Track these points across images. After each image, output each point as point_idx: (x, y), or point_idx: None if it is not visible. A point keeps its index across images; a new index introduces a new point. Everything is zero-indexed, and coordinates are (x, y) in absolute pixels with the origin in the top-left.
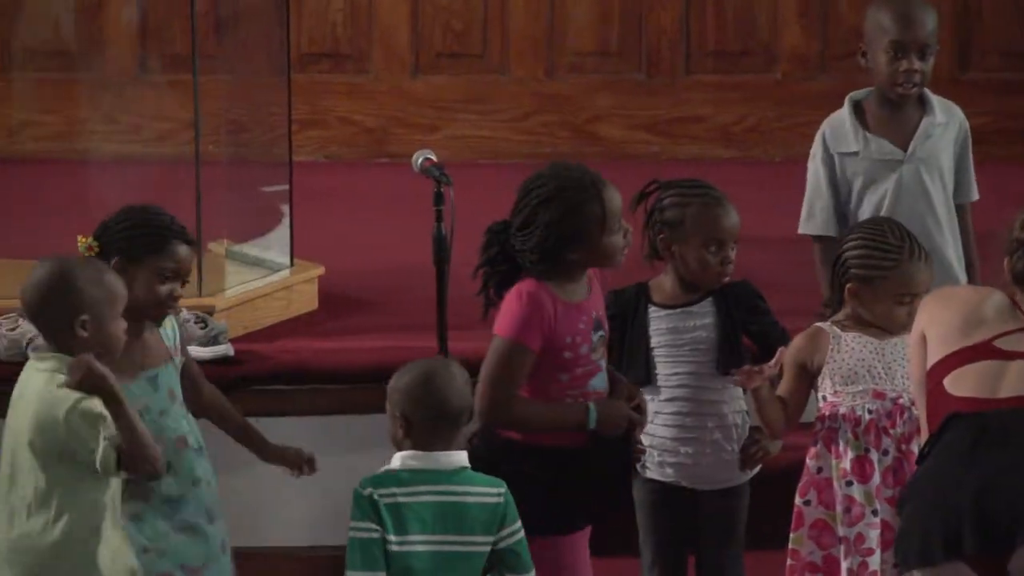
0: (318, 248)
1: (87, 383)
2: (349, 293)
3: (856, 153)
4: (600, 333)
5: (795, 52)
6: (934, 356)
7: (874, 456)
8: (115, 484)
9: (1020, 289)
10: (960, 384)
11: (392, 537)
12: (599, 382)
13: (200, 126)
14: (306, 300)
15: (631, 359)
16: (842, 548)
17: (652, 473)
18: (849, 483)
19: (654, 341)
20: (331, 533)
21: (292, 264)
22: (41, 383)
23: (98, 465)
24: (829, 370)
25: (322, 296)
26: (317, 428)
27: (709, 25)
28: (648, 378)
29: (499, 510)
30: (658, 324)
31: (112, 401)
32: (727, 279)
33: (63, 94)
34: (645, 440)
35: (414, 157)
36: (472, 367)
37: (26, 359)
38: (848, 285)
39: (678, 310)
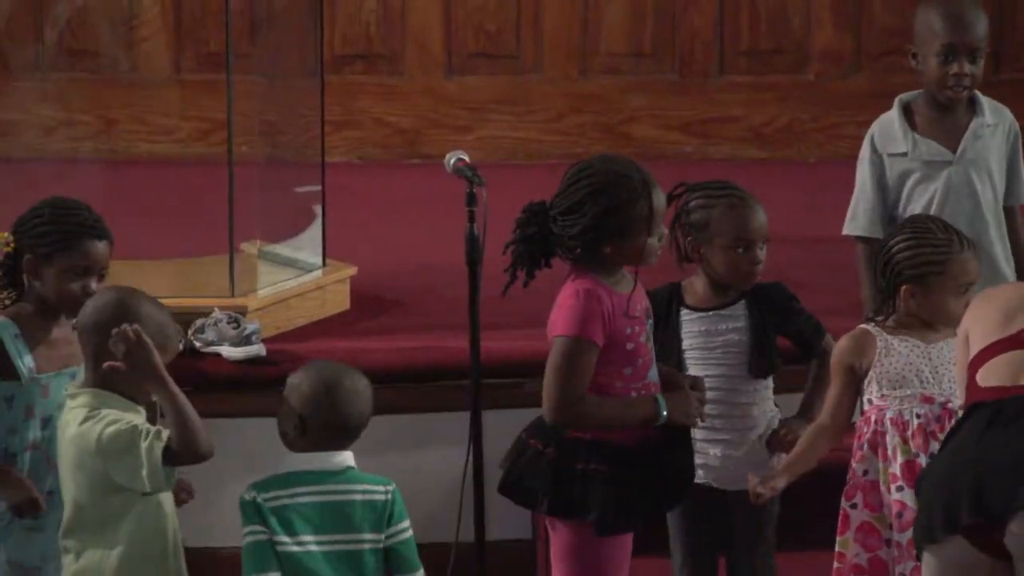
0: (351, 248)
1: (132, 358)
2: (381, 293)
3: (905, 154)
4: (651, 322)
5: (828, 52)
6: (974, 352)
7: (923, 461)
8: (170, 507)
9: None
10: (988, 375)
11: (282, 539)
12: (655, 374)
13: (234, 127)
14: (338, 300)
15: (663, 361)
16: (894, 552)
17: None
18: (900, 488)
19: (686, 343)
20: None
21: (325, 264)
22: (73, 421)
23: (147, 485)
24: (876, 374)
25: (354, 296)
26: None
27: (742, 25)
28: None
29: (386, 508)
30: (690, 327)
31: (156, 381)
32: (758, 279)
33: (97, 94)
34: None
35: (447, 158)
36: (507, 366)
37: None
38: (903, 287)
39: (710, 313)
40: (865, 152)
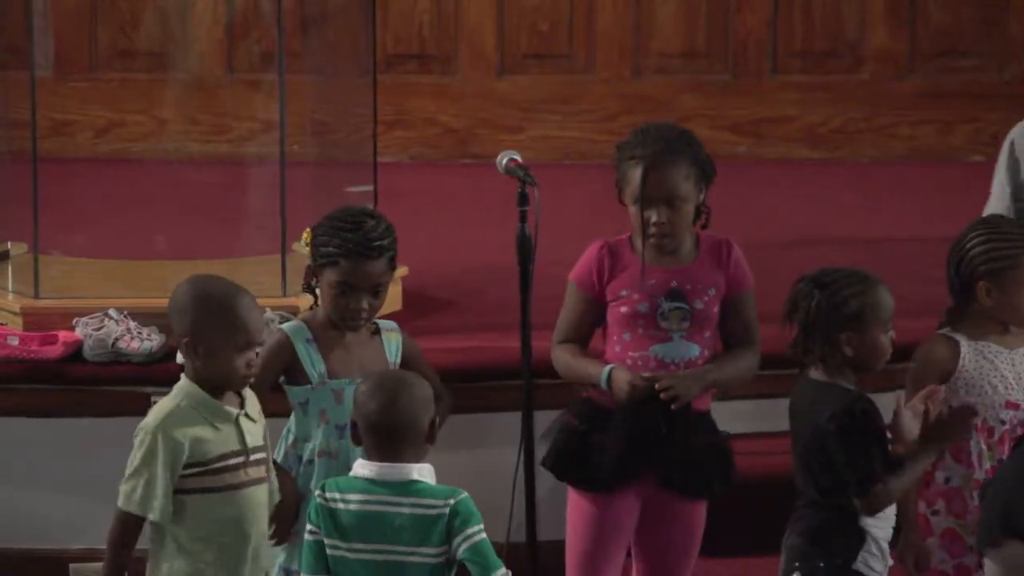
0: (402, 248)
1: None
2: (433, 293)
3: None
4: (676, 304)
5: (882, 52)
6: None
7: None
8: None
9: None
10: None
11: (331, 540)
12: (667, 351)
13: (286, 126)
14: (390, 300)
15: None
16: (976, 559)
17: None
18: (983, 497)
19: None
20: None
21: None
22: None
23: (158, 517)
24: (960, 380)
25: (406, 296)
26: None
27: (796, 25)
28: None
29: (440, 521)
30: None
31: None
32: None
33: (150, 94)
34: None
35: (499, 158)
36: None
37: (111, 359)
38: (979, 283)
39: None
40: (1002, 156)
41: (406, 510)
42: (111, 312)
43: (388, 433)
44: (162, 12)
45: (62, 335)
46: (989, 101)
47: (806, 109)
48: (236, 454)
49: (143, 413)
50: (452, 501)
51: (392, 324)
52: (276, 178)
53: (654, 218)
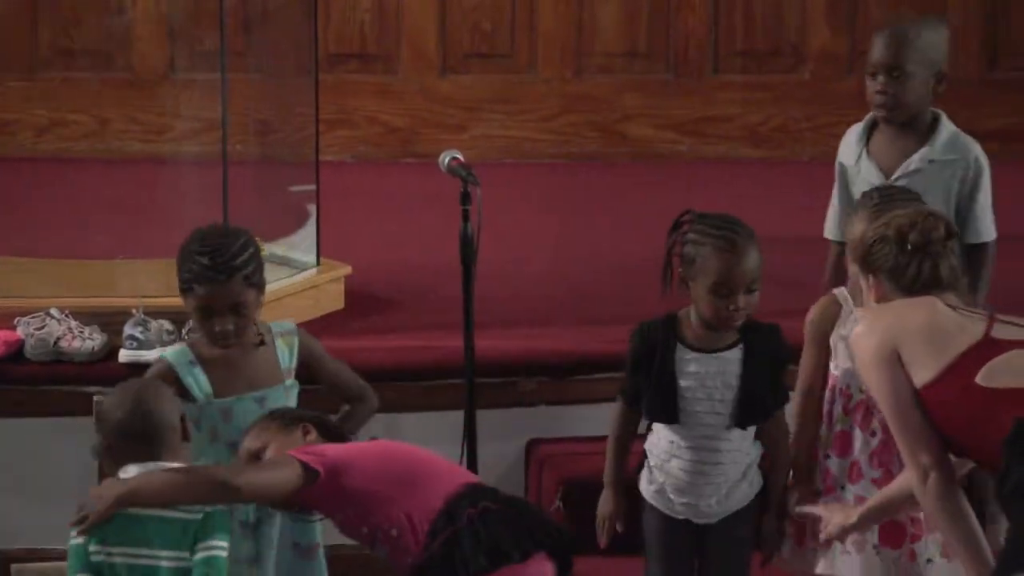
0: (345, 247)
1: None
2: (376, 292)
3: (854, 167)
4: None
5: (823, 52)
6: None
7: (858, 434)
8: None
9: (938, 291)
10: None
11: (93, 548)
12: None
13: (228, 125)
14: (333, 299)
15: (657, 397)
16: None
17: (661, 507)
18: (827, 456)
19: (680, 382)
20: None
21: (319, 263)
22: None
23: None
24: (837, 341)
25: (349, 295)
26: None
27: (737, 25)
28: (674, 417)
29: (191, 527)
30: (684, 366)
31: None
32: (738, 324)
33: (90, 93)
34: (659, 476)
35: (441, 157)
36: (501, 365)
37: (53, 359)
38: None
39: (706, 354)
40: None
41: (163, 513)
42: (53, 311)
43: (142, 438)
44: (103, 11)
45: (3, 334)
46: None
47: (747, 108)
48: None
49: (85, 413)
50: (208, 509)
51: (288, 327)
52: (218, 177)
53: None
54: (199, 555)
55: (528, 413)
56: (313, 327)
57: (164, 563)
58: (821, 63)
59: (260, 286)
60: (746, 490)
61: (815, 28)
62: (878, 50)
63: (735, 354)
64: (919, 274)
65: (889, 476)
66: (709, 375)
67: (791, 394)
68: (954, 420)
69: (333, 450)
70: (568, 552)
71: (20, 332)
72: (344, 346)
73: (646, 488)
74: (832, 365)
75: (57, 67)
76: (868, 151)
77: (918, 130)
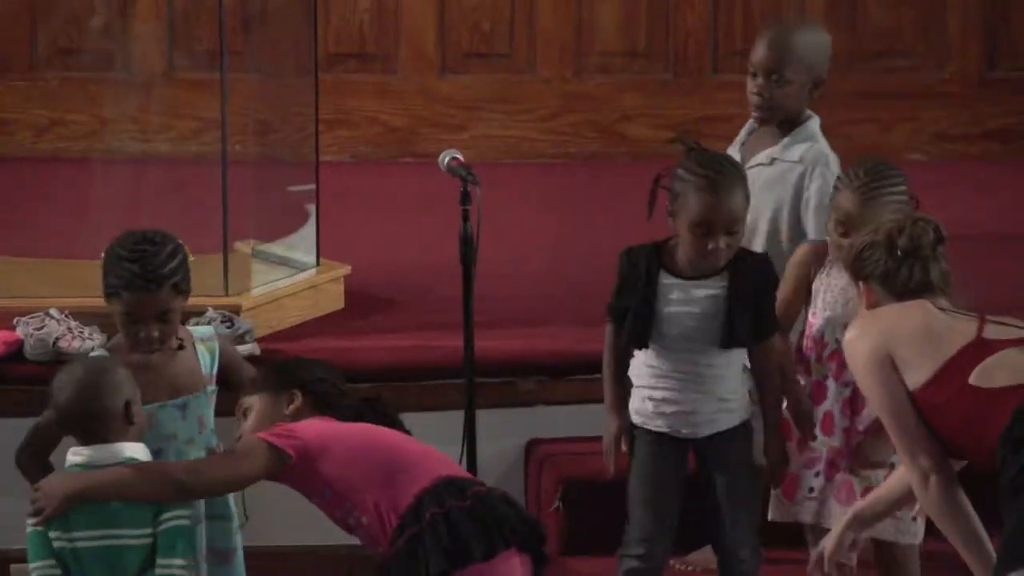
0: (344, 247)
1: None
2: (375, 292)
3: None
4: None
5: None
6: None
7: (831, 384)
8: None
9: (929, 295)
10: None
11: (54, 533)
12: None
13: (227, 125)
14: (332, 299)
15: (636, 320)
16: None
17: (646, 424)
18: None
19: (663, 307)
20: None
21: (318, 263)
22: None
23: None
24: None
25: (348, 295)
26: None
27: (736, 25)
28: (644, 343)
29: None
30: (667, 292)
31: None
32: (720, 263)
33: (90, 93)
34: (647, 400)
35: (441, 157)
36: (500, 365)
37: (53, 359)
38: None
39: (689, 281)
40: None
41: None
42: (52, 312)
43: (91, 417)
44: (103, 10)
45: (2, 335)
46: (928, 100)
47: (747, 108)
48: None
49: None
50: None
51: (207, 332)
52: (218, 177)
53: None
54: (162, 527)
55: (528, 413)
56: (313, 327)
57: (131, 541)
58: None
59: (187, 293)
60: (738, 412)
61: None
62: (760, 52)
63: (718, 282)
64: (910, 279)
65: (855, 430)
66: (690, 301)
67: None
68: (949, 421)
69: (311, 431)
70: (541, 546)
71: (20, 332)
72: (344, 346)
73: (634, 411)
74: (810, 312)
75: (57, 67)
76: (745, 147)
77: (786, 132)
